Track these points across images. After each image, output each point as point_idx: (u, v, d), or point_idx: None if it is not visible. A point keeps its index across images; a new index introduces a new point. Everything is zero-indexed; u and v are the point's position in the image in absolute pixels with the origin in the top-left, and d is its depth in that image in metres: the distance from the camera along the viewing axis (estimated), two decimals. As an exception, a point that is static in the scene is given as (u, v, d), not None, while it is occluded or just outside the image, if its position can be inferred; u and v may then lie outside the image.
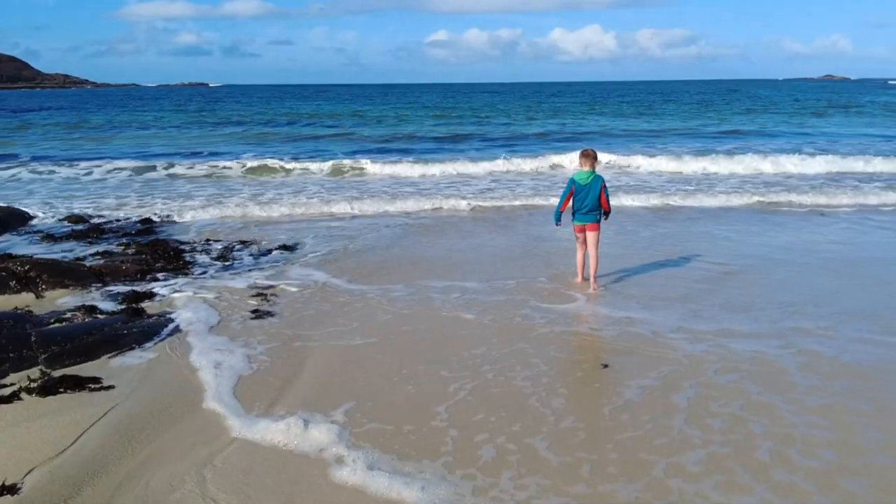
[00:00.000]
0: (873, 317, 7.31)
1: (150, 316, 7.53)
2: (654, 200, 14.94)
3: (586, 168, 8.34)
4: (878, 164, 20.13)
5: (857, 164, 20.17)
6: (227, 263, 9.95)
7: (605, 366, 6.13)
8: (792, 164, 20.32)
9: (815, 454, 4.62)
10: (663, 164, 21.05)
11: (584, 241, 8.57)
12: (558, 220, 8.64)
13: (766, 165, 20.30)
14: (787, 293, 8.20)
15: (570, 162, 20.71)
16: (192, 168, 21.32)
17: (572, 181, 8.43)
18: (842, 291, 8.28)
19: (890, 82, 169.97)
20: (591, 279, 8.49)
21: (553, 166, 21.33)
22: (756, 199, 15.08)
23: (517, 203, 14.93)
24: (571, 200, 8.47)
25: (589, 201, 8.33)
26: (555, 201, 9.55)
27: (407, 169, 20.61)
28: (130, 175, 20.38)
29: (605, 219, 8.60)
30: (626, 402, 5.40)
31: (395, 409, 5.35)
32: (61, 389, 5.62)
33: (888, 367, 6.08)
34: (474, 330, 7.11)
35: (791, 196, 15.24)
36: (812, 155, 21.40)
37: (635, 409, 5.28)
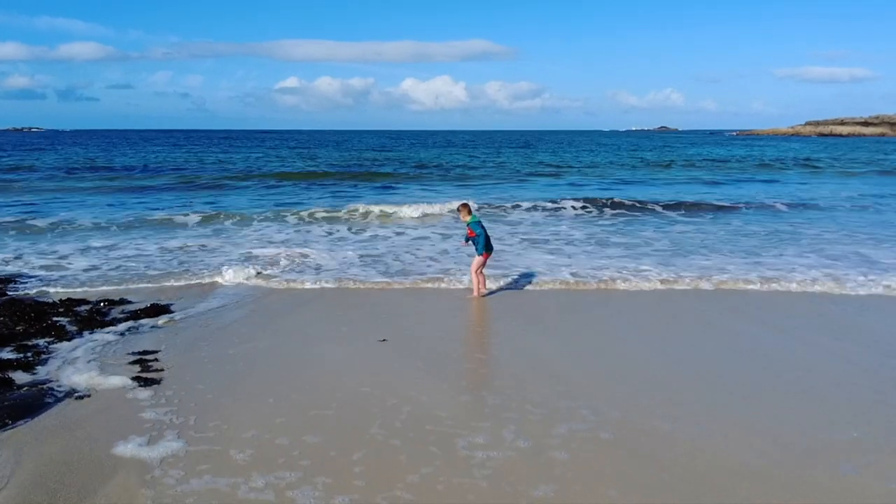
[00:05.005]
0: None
1: (20, 387, 6.97)
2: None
3: (471, 215, 11.19)
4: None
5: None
6: (101, 328, 9.28)
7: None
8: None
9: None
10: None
11: (483, 264, 11.14)
12: (481, 252, 11.02)
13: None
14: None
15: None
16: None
17: (480, 223, 11.07)
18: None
19: (728, 133, 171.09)
20: (484, 286, 11.26)
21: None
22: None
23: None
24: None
25: (487, 236, 11.10)
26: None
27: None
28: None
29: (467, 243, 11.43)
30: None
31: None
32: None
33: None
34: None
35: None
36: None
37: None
